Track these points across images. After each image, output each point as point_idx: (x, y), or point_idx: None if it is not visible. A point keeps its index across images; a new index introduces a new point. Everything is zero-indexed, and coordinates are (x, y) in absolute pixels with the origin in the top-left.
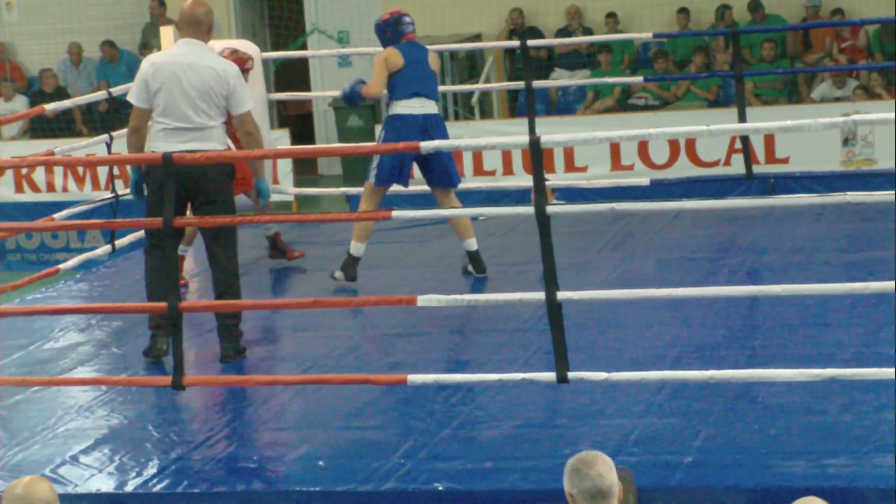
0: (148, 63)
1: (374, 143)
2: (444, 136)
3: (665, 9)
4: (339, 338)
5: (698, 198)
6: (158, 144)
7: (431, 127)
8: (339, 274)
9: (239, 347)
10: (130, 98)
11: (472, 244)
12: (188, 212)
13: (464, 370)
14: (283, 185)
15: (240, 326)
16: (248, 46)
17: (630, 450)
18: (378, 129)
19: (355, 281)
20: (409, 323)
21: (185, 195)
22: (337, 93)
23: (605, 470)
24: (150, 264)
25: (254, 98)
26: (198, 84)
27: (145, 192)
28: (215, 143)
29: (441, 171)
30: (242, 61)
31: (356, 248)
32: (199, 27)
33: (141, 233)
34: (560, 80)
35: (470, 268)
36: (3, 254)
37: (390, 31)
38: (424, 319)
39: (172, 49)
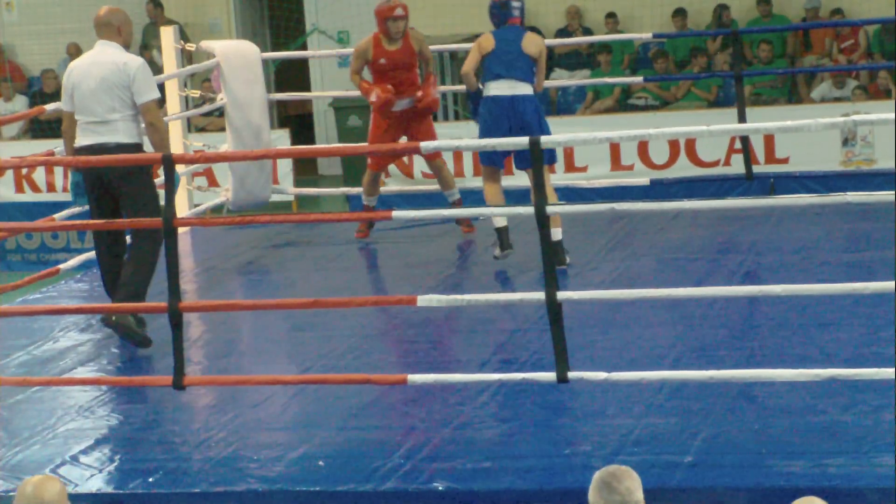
0: (67, 68)
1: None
2: (533, 115)
3: (665, 9)
4: (339, 338)
5: (698, 198)
6: (79, 140)
7: (518, 107)
8: (498, 252)
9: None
10: (60, 103)
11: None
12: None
13: (464, 370)
14: (283, 185)
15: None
16: (248, 46)
17: (630, 450)
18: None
19: (512, 248)
20: (409, 323)
21: (110, 193)
22: (336, 92)
23: (635, 486)
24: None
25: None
26: (100, 79)
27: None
28: (121, 134)
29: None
30: (391, 9)
31: (497, 220)
32: (109, 28)
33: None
34: (560, 80)
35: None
36: (3, 254)
37: (498, 13)
38: (424, 319)
39: (88, 52)
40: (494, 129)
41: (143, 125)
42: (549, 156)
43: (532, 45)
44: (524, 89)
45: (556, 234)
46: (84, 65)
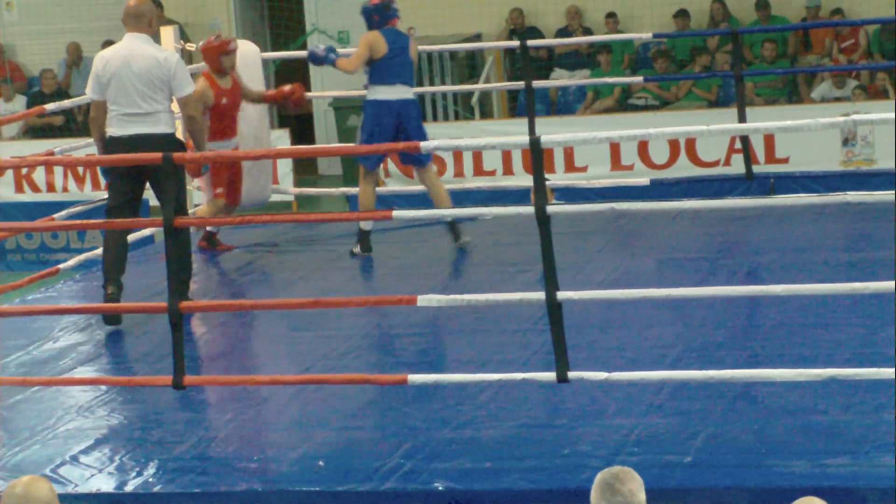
0: (98, 58)
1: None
2: (419, 120)
3: (665, 9)
4: (339, 338)
5: (698, 198)
6: (112, 129)
7: (405, 111)
8: (357, 249)
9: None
10: (87, 92)
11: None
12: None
13: (464, 370)
14: (283, 185)
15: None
16: (247, 46)
17: (630, 450)
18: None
19: (371, 251)
20: (409, 323)
21: (140, 172)
22: (336, 92)
23: (637, 488)
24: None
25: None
26: (142, 72)
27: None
28: (163, 126)
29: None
30: (225, 43)
31: (365, 224)
32: (140, 20)
33: (142, 233)
34: (560, 80)
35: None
36: (3, 254)
37: (378, 15)
38: (424, 319)
39: (119, 44)
40: (380, 134)
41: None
42: (425, 157)
43: (414, 51)
44: (411, 94)
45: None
46: (121, 56)
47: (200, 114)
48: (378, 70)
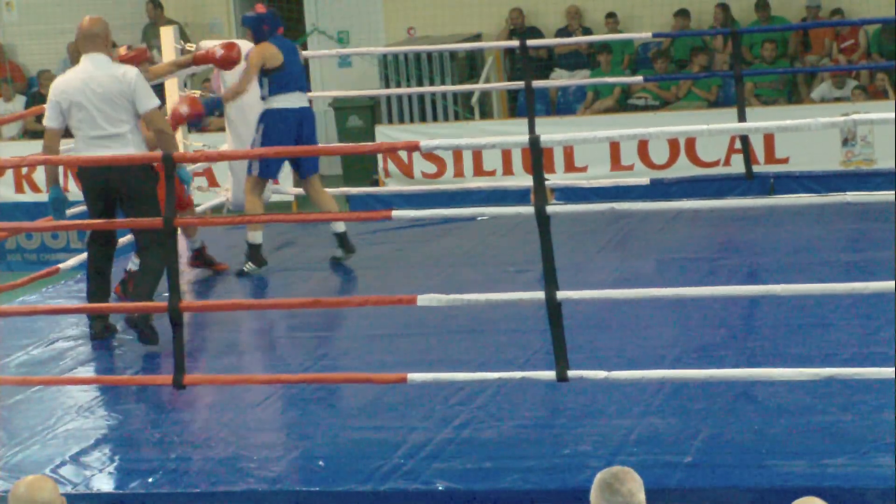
0: (55, 85)
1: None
2: (314, 127)
3: (665, 9)
4: (339, 338)
5: (698, 198)
6: (81, 154)
7: (305, 119)
8: (249, 267)
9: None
10: (44, 121)
11: (340, 226)
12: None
13: (464, 370)
14: (283, 185)
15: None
16: (248, 46)
17: (630, 450)
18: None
19: (266, 265)
20: (409, 323)
21: (112, 195)
22: (336, 92)
23: (637, 488)
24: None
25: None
26: (103, 92)
27: (65, 210)
28: (131, 147)
29: (311, 159)
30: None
31: (256, 236)
32: (96, 40)
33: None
34: (560, 80)
35: (339, 254)
36: (3, 254)
37: (268, 24)
38: (424, 319)
39: (77, 67)
40: (279, 142)
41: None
42: (314, 165)
43: (302, 57)
44: (307, 102)
45: (338, 226)
46: (78, 80)
47: (169, 126)
48: (276, 80)
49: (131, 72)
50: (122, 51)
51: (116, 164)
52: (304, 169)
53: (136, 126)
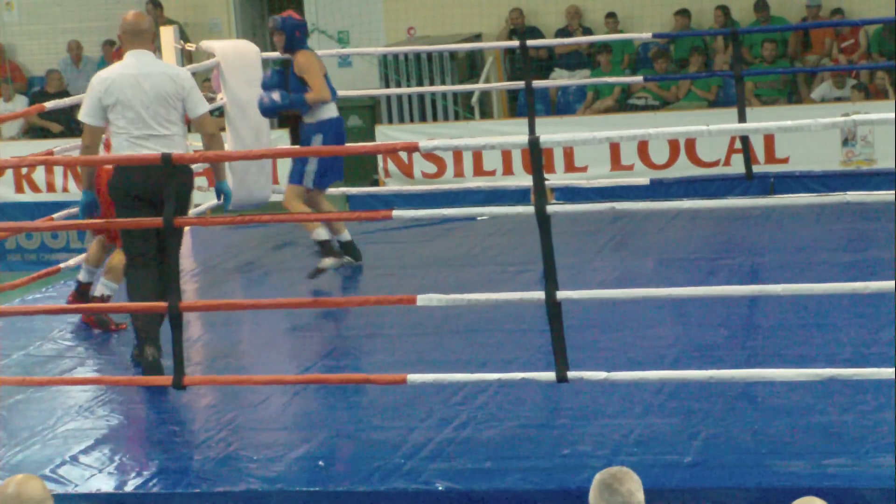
0: (99, 80)
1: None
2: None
3: (665, 9)
4: (339, 338)
5: (698, 198)
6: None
7: (342, 129)
8: (330, 262)
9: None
10: (81, 116)
11: (323, 234)
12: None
13: (464, 370)
14: (283, 185)
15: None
16: (248, 46)
17: (630, 450)
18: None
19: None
20: (409, 323)
21: (150, 204)
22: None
23: (636, 488)
24: (133, 284)
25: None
26: (155, 92)
27: (93, 215)
28: (178, 149)
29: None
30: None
31: (319, 233)
32: (143, 37)
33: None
34: (560, 80)
35: (325, 263)
36: (3, 254)
37: (300, 31)
38: (424, 319)
39: (123, 62)
40: (336, 153)
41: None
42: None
43: None
44: None
45: (320, 234)
46: (128, 77)
47: (219, 131)
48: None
49: (185, 73)
50: None
51: (170, 175)
52: (327, 180)
53: (184, 129)
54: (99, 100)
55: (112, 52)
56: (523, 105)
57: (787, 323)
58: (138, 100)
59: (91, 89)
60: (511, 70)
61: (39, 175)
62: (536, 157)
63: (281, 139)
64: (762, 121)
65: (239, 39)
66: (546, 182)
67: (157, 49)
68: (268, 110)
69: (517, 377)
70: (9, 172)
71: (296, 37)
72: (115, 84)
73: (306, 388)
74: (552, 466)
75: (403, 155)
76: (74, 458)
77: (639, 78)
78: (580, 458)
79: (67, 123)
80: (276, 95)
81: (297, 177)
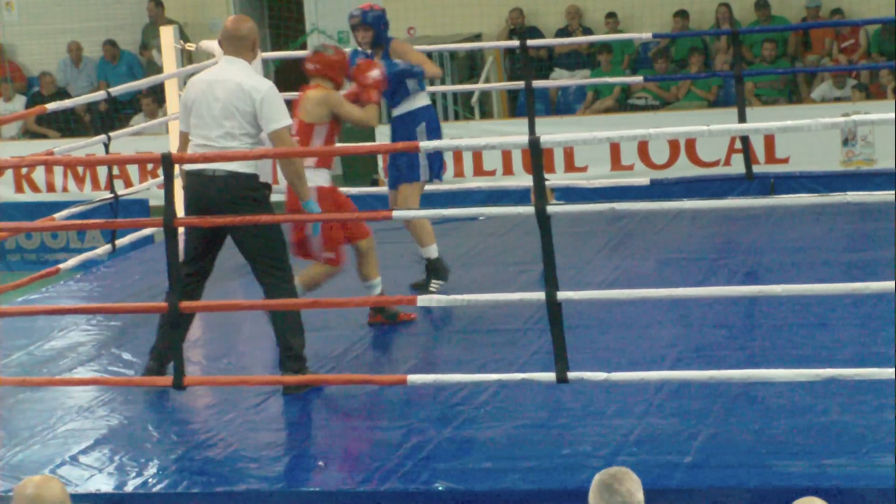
0: (188, 84)
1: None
2: None
3: (665, 9)
4: (339, 338)
5: (698, 198)
6: (187, 165)
7: (435, 114)
8: (434, 284)
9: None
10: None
11: (434, 251)
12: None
13: (464, 370)
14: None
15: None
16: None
17: (630, 450)
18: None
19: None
20: (409, 323)
21: (215, 229)
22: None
23: (635, 488)
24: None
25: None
26: (221, 100)
27: None
28: (237, 165)
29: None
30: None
31: (431, 250)
32: (238, 44)
33: (141, 232)
34: (560, 80)
35: (434, 286)
36: (3, 254)
37: (386, 23)
38: (424, 319)
39: (213, 67)
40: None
41: None
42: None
43: None
44: None
45: (431, 251)
46: (204, 82)
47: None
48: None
49: (263, 85)
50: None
51: (216, 186)
52: (438, 167)
53: (252, 144)
54: (183, 103)
55: (112, 51)
56: (523, 105)
57: (787, 323)
58: (206, 106)
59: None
60: (511, 70)
61: (39, 175)
62: (537, 157)
63: None
64: (762, 121)
65: None
66: (546, 182)
67: (256, 57)
68: (399, 74)
69: (517, 377)
70: (9, 172)
71: (382, 29)
72: (191, 89)
73: (306, 388)
74: (552, 466)
75: None
76: (74, 458)
77: (639, 78)
78: (580, 458)
79: (67, 123)
80: (401, 64)
81: (412, 173)
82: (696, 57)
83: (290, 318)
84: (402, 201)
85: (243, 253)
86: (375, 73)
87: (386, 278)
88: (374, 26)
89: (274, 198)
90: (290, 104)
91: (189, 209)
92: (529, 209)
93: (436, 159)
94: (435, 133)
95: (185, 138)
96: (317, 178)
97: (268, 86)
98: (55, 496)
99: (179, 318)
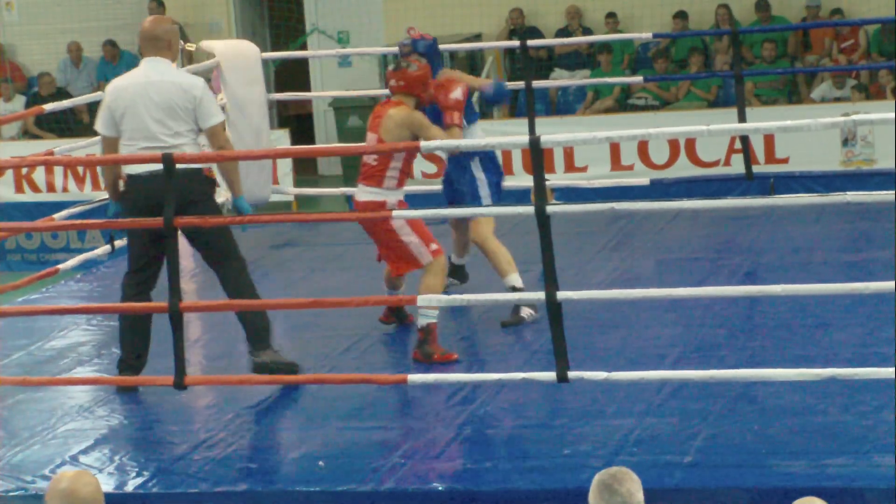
0: (110, 88)
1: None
2: None
3: (665, 9)
4: (339, 338)
5: (698, 198)
6: (132, 167)
7: None
8: (526, 312)
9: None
10: (97, 127)
11: (518, 280)
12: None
13: (464, 370)
14: (283, 185)
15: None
16: (248, 46)
17: (630, 450)
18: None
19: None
20: (410, 323)
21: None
22: (336, 93)
23: (635, 488)
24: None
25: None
26: (162, 101)
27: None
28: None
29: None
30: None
31: (514, 279)
32: (158, 43)
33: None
34: (560, 80)
35: (525, 312)
36: (3, 254)
37: (438, 53)
38: None
39: (135, 70)
40: (498, 172)
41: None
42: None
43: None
44: None
45: (514, 279)
46: (137, 86)
47: (231, 145)
48: (470, 107)
49: (198, 82)
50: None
51: (170, 175)
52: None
53: (194, 140)
54: (109, 108)
55: (112, 51)
56: (523, 105)
57: (787, 323)
58: (145, 108)
59: (104, 99)
60: (511, 70)
61: (39, 175)
62: (537, 157)
63: (281, 139)
64: (762, 121)
65: (239, 39)
66: (546, 182)
67: (177, 56)
68: (503, 95)
69: (517, 377)
70: (9, 172)
71: (435, 58)
72: (124, 93)
73: (306, 388)
74: (552, 466)
75: None
76: (74, 458)
77: (639, 78)
78: (580, 458)
79: (66, 124)
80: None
81: (475, 202)
82: (695, 57)
83: (248, 297)
84: (475, 224)
85: (195, 246)
86: (457, 93)
87: (380, 280)
88: (426, 54)
89: (275, 198)
90: (288, 104)
91: (137, 212)
92: (529, 209)
93: (498, 183)
94: (489, 161)
95: (112, 143)
96: (399, 195)
97: (202, 83)
98: (89, 492)
99: (180, 319)
